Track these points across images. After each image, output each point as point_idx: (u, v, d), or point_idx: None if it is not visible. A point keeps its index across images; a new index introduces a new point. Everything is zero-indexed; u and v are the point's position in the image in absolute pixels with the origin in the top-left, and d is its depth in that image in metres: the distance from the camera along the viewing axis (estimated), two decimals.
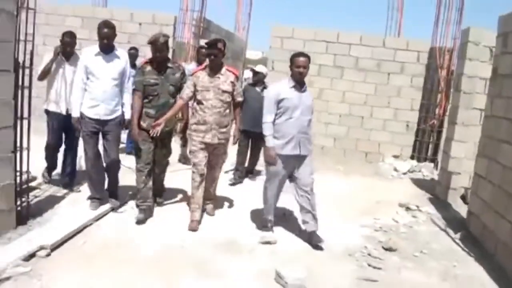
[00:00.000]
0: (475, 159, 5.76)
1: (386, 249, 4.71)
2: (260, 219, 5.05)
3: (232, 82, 4.90)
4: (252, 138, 6.93)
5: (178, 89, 4.99)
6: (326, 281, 3.93)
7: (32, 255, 3.77)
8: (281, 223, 5.17)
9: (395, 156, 9.30)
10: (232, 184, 6.87)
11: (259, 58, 43.68)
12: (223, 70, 4.89)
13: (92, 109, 4.77)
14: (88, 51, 4.80)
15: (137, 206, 5.05)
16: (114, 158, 4.98)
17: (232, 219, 5.29)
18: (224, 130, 4.94)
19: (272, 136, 4.56)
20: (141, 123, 4.89)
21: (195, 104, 4.95)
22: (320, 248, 4.59)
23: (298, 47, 9.51)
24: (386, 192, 7.08)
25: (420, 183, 7.87)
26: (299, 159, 4.65)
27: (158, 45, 4.74)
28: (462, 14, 9.38)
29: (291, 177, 4.76)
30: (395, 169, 8.70)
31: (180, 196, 5.92)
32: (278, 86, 4.65)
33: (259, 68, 7.17)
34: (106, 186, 5.22)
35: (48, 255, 3.87)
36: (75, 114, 4.82)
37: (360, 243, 4.87)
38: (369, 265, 4.33)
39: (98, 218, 4.85)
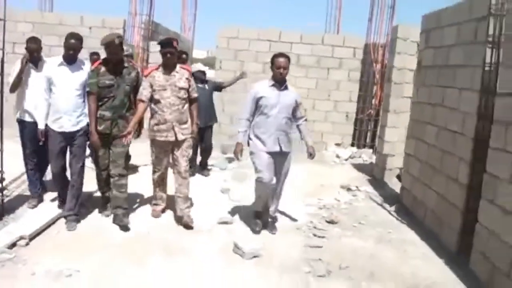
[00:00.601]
0: (405, 141, 6.52)
1: (329, 222, 5.35)
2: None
3: (187, 79, 4.96)
4: (201, 134, 6.96)
5: (134, 88, 4.88)
6: (278, 250, 4.49)
7: (13, 245, 4.11)
8: (238, 209, 5.68)
9: (337, 144, 10.07)
10: None
11: (204, 57, 44.08)
12: (177, 67, 4.96)
13: (56, 122, 4.71)
14: (51, 62, 4.80)
15: (100, 212, 5.19)
16: (78, 166, 4.84)
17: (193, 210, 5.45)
18: (185, 126, 4.98)
19: (243, 133, 4.80)
20: (98, 127, 4.74)
21: (152, 105, 4.92)
22: (273, 232, 4.96)
23: (243, 47, 10.13)
24: (329, 176, 7.75)
25: (360, 167, 8.61)
26: (281, 156, 4.82)
27: (113, 46, 4.62)
28: (394, 12, 10.26)
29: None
30: (337, 156, 9.44)
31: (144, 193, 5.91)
32: (258, 85, 4.82)
33: (197, 67, 7.61)
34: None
35: (27, 244, 4.20)
36: (40, 125, 4.84)
37: (307, 219, 5.47)
38: (314, 235, 4.95)
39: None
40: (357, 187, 7.06)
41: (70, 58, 4.72)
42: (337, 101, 10.13)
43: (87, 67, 4.84)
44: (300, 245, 4.65)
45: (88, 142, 4.97)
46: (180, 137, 4.92)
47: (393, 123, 7.51)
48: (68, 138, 4.77)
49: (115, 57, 4.69)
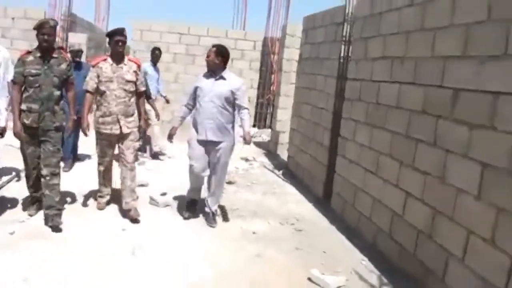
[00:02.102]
0: (291, 119, 8.05)
1: (227, 183, 6.66)
2: None
3: (135, 72, 4.87)
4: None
5: (64, 81, 4.56)
6: (185, 200, 5.73)
7: None
8: (152, 174, 6.82)
9: (240, 126, 11.43)
10: None
11: None
12: (126, 59, 4.87)
13: None
14: None
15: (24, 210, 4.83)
16: None
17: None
18: (131, 119, 4.88)
19: (180, 118, 5.02)
20: (24, 120, 4.42)
21: (98, 96, 4.86)
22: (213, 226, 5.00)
23: (155, 39, 11.21)
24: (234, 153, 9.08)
25: (259, 144, 10.07)
26: (211, 145, 4.81)
27: (47, 28, 4.33)
28: (288, 10, 11.81)
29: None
30: (241, 136, 10.81)
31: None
32: (199, 76, 4.99)
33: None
34: None
35: None
36: None
37: None
38: None
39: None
40: (254, 158, 8.48)
41: None
42: None
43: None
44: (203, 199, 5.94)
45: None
46: (125, 130, 4.82)
47: (284, 105, 9.01)
48: None
49: (47, 39, 4.34)
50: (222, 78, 4.82)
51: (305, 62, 7.43)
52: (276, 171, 7.73)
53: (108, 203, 5.21)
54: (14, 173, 5.98)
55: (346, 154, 5.47)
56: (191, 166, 4.90)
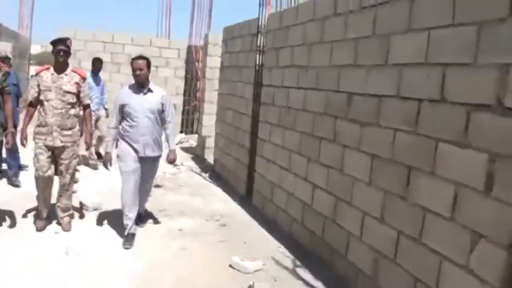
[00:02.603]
0: (215, 123, 8.48)
1: (155, 186, 6.95)
2: None
3: (77, 83, 4.77)
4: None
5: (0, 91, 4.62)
6: (113, 204, 5.93)
7: None
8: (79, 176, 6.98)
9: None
10: None
11: (39, 52, 41.94)
12: (68, 70, 4.76)
13: None
14: None
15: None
16: None
17: None
18: (68, 132, 4.74)
19: (112, 142, 4.79)
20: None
21: (39, 105, 4.77)
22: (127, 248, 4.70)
23: (79, 47, 11.25)
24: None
25: (186, 150, 10.42)
26: (145, 160, 4.74)
27: None
28: (210, 18, 12.22)
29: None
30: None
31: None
32: (122, 92, 4.79)
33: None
34: None
35: None
36: None
37: None
38: None
39: None
40: (181, 163, 8.81)
41: None
42: None
43: None
44: None
45: None
46: (58, 143, 4.70)
47: (209, 110, 9.42)
48: None
49: None
50: (150, 91, 4.73)
51: (226, 70, 7.89)
52: (203, 174, 8.12)
53: (46, 223, 4.95)
54: None
55: (264, 154, 5.98)
56: (126, 183, 4.70)
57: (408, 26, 3.36)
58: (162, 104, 4.76)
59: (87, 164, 7.84)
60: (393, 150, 3.47)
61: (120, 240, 4.72)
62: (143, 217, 5.27)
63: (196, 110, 12.10)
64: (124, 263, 4.21)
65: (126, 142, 4.68)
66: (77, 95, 4.80)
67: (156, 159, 4.91)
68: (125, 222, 4.74)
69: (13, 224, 4.90)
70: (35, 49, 19.27)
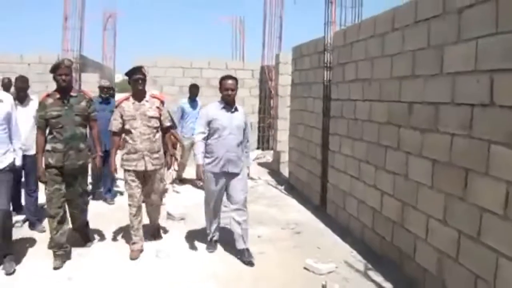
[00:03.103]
0: (288, 138, 8.89)
1: None
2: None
3: (158, 108, 4.93)
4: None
5: (86, 118, 4.70)
6: (198, 215, 6.52)
7: None
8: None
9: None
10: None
11: (121, 80, 44.76)
12: (148, 96, 4.94)
13: None
14: None
15: (54, 252, 4.60)
16: (3, 207, 4.31)
17: None
18: (156, 155, 4.92)
19: (202, 155, 4.77)
20: (49, 160, 4.52)
21: (124, 135, 4.92)
22: (251, 264, 4.73)
23: (160, 74, 12.18)
24: None
25: (263, 164, 10.90)
26: (229, 176, 4.80)
27: (63, 68, 4.47)
28: (281, 40, 12.71)
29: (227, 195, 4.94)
30: None
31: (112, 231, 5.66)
32: (209, 108, 4.84)
33: (104, 82, 7.25)
34: None
35: None
36: None
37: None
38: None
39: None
40: (259, 177, 9.29)
41: None
42: None
43: (9, 99, 4.55)
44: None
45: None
46: (150, 167, 4.88)
47: (282, 126, 9.84)
48: None
49: (64, 79, 4.48)
50: (236, 109, 4.84)
51: (297, 87, 8.29)
52: (279, 186, 8.53)
53: (141, 250, 4.98)
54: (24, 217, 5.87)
55: (335, 164, 6.27)
56: (207, 200, 4.99)
57: (458, 36, 3.59)
58: (245, 123, 4.90)
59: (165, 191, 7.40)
60: (451, 154, 3.68)
61: (204, 245, 5.21)
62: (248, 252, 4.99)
63: (271, 127, 12.58)
64: (208, 265, 4.70)
65: (209, 159, 4.77)
66: (159, 118, 4.97)
67: (239, 175, 4.84)
68: (208, 231, 5.15)
69: (102, 238, 5.41)
70: (117, 78, 20.94)
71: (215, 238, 5.16)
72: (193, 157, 5.27)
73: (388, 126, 4.74)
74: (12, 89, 6.41)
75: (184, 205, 6.93)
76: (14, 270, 4.38)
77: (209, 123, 4.74)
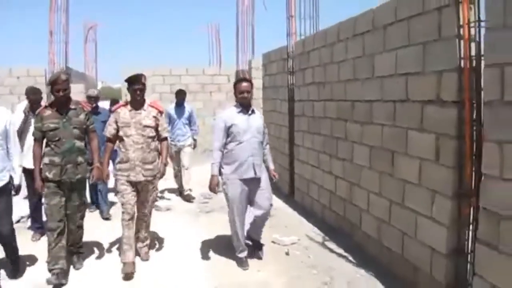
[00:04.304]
0: None
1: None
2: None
3: (154, 117, 4.81)
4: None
5: (84, 131, 4.61)
6: (183, 205, 7.39)
7: None
8: None
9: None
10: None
11: (100, 88, 45.35)
12: (146, 105, 4.82)
13: None
14: None
15: (49, 270, 4.40)
16: (6, 229, 4.37)
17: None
18: (149, 166, 4.77)
19: (217, 164, 4.59)
20: (47, 174, 4.42)
21: (118, 142, 4.83)
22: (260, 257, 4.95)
23: None
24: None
25: None
26: (255, 182, 4.66)
27: (61, 83, 4.36)
28: (253, 45, 13.66)
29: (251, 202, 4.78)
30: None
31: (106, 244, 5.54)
32: (226, 114, 4.71)
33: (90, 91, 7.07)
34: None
35: None
36: None
37: (200, 192, 8.44)
38: (205, 198, 7.93)
39: None
40: None
41: None
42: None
43: (4, 115, 4.39)
44: (196, 203, 7.63)
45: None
46: (141, 178, 4.73)
47: None
48: None
49: (62, 94, 4.39)
50: (253, 112, 4.75)
51: (267, 90, 9.24)
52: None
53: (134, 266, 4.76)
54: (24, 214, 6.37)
55: (300, 157, 7.23)
56: (232, 209, 4.70)
57: (384, 47, 4.56)
58: (263, 125, 4.84)
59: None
60: (382, 140, 4.64)
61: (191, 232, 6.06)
62: (259, 245, 5.12)
63: None
64: (194, 250, 5.56)
65: (231, 167, 4.59)
66: (156, 128, 4.84)
67: (262, 179, 4.75)
68: (235, 243, 4.81)
69: (101, 255, 5.22)
70: (99, 86, 21.66)
71: (245, 254, 4.83)
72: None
73: (338, 121, 5.70)
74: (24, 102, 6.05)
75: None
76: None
77: (227, 129, 4.57)
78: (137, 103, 4.82)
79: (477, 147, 3.33)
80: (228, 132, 4.59)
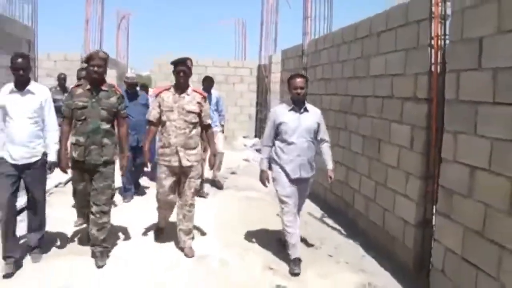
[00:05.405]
0: None
1: (231, 173, 9.19)
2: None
3: (198, 103, 4.66)
4: (134, 154, 6.55)
5: (113, 114, 4.43)
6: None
7: None
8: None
9: (244, 137, 14.11)
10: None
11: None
12: (189, 90, 4.69)
13: (9, 152, 4.15)
14: (3, 89, 4.24)
15: (92, 251, 4.44)
16: (38, 198, 4.34)
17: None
18: (192, 152, 4.65)
19: (266, 159, 4.57)
20: (73, 154, 4.35)
21: (160, 126, 4.74)
22: (297, 274, 4.41)
23: (171, 69, 13.87)
24: (238, 155, 11.72)
25: (259, 150, 12.60)
26: (300, 182, 4.54)
27: (96, 59, 4.27)
28: (276, 43, 14.46)
29: None
30: (244, 145, 13.46)
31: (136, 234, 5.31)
32: (277, 110, 4.62)
33: (129, 74, 7.02)
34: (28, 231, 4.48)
35: None
36: None
37: (222, 172, 9.33)
38: (225, 178, 8.80)
39: None
40: (253, 159, 11.05)
41: (21, 81, 4.16)
42: (242, 106, 14.23)
43: (43, 91, 4.33)
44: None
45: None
46: (185, 162, 4.61)
47: None
48: (21, 170, 4.19)
49: (97, 70, 4.28)
50: (306, 110, 4.56)
51: (284, 84, 10.02)
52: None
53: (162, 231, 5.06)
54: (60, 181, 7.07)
55: None
56: (285, 205, 4.53)
57: (377, 51, 5.33)
58: (318, 124, 4.63)
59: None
60: (371, 130, 5.44)
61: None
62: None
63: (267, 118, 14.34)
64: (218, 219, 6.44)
65: (279, 164, 4.52)
66: (199, 114, 4.72)
67: (308, 181, 4.65)
68: (288, 243, 4.58)
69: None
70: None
71: (298, 256, 4.53)
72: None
73: (339, 113, 6.50)
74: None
75: None
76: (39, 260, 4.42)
77: (277, 126, 4.50)
78: (180, 86, 4.69)
79: (440, 137, 4.10)
80: (277, 129, 4.51)
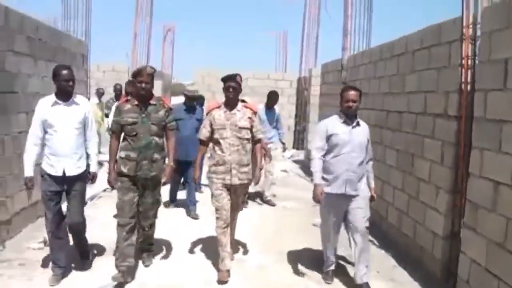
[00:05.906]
0: None
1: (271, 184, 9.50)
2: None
3: (249, 118, 4.63)
4: (183, 168, 6.66)
5: (163, 128, 4.47)
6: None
7: None
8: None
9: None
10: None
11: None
12: (239, 106, 4.66)
13: (53, 166, 4.21)
14: (43, 102, 4.25)
15: (116, 266, 4.34)
16: (77, 220, 4.40)
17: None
18: (245, 169, 4.63)
19: (319, 173, 4.31)
20: (122, 168, 4.37)
21: (212, 144, 4.69)
22: (329, 283, 4.52)
23: (213, 82, 14.40)
24: (277, 166, 11.94)
25: (296, 161, 12.92)
26: (348, 199, 4.33)
27: (144, 76, 4.29)
28: (316, 57, 14.74)
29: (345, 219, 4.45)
30: (283, 156, 13.73)
31: (178, 246, 5.52)
32: (328, 121, 4.46)
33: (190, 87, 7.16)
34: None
35: None
36: (27, 173, 4.22)
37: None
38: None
39: None
40: (290, 169, 11.33)
41: (69, 92, 4.25)
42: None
43: (85, 102, 4.45)
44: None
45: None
46: (237, 181, 4.58)
47: (313, 129, 11.81)
48: (64, 183, 4.29)
49: (144, 87, 4.31)
50: (358, 124, 4.42)
51: (324, 97, 10.30)
52: (307, 177, 10.53)
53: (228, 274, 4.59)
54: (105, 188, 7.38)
55: None
56: (324, 224, 4.56)
57: (412, 69, 5.54)
58: (368, 140, 4.47)
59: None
60: (406, 145, 5.63)
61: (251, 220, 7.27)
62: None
63: (306, 131, 14.60)
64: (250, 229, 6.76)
65: (324, 178, 4.33)
66: (251, 130, 4.67)
67: (356, 198, 4.34)
68: (325, 258, 4.68)
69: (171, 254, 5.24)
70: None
71: (332, 268, 4.67)
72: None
73: (375, 128, 6.68)
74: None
75: None
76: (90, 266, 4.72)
77: (328, 138, 4.33)
78: (230, 102, 4.65)
79: (468, 153, 4.27)
80: (328, 141, 4.34)
